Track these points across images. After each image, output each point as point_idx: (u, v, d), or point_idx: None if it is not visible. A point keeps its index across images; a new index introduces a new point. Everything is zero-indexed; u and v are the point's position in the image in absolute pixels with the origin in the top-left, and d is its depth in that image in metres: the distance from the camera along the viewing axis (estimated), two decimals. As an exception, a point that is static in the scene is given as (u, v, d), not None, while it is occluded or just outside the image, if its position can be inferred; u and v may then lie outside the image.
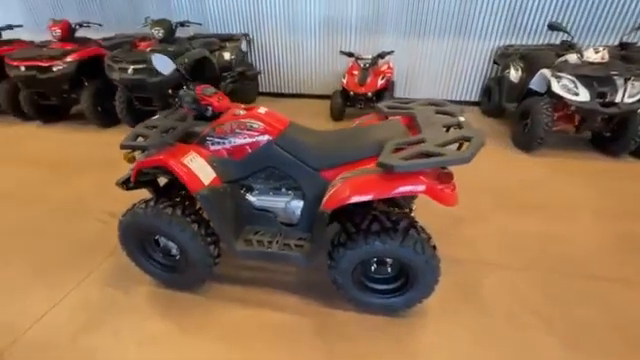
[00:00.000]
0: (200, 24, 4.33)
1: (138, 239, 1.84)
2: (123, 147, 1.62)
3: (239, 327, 1.76)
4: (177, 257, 1.88)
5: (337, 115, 4.49)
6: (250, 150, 1.77)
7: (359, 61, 4.44)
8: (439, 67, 5.11)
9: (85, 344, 1.68)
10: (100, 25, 4.60)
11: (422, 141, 1.46)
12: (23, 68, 3.92)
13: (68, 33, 4.25)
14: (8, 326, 1.77)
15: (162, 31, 3.92)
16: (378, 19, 4.92)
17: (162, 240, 1.87)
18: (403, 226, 1.54)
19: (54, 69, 3.90)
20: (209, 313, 1.84)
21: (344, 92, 4.42)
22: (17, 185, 3.13)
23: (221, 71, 4.75)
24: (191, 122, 1.84)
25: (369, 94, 4.29)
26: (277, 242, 1.80)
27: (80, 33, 4.57)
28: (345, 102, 4.46)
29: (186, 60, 3.76)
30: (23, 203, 2.84)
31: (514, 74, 4.16)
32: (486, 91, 4.81)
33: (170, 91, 2.19)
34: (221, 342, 1.68)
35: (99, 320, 1.80)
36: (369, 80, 4.29)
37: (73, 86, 4.16)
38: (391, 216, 1.60)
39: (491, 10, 4.58)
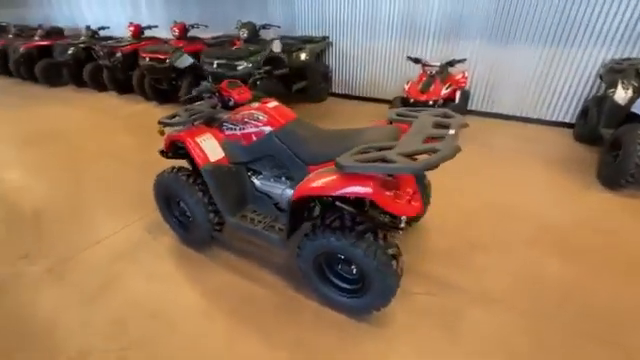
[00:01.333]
0: (279, 27, 4.82)
1: (165, 197, 2.29)
2: (159, 122, 2.06)
3: (220, 289, 2.03)
4: (190, 218, 2.27)
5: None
6: (255, 138, 2.01)
7: (426, 68, 4.26)
8: (528, 80, 4.48)
9: (114, 270, 2.20)
10: (206, 27, 5.55)
11: (390, 148, 1.46)
12: (148, 59, 5.06)
13: (183, 33, 5.27)
14: (73, 244, 2.44)
15: (246, 32, 4.53)
16: (460, 23, 4.60)
17: (182, 202, 2.28)
18: (361, 229, 1.56)
19: (167, 61, 4.92)
20: (204, 271, 2.17)
21: (405, 99, 4.31)
22: (121, 148, 4.12)
23: (296, 70, 5.21)
24: (218, 110, 2.19)
25: (430, 102, 4.08)
26: (264, 223, 2.01)
27: (198, 33, 5.61)
28: (404, 109, 4.34)
29: (259, 58, 4.27)
30: (119, 161, 3.73)
31: (621, 94, 3.38)
32: (584, 112, 4.02)
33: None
34: (201, 297, 1.98)
35: (131, 254, 2.32)
36: (432, 88, 4.09)
37: (179, 75, 5.15)
38: (357, 218, 1.63)
39: (606, 12, 3.80)
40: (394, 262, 1.55)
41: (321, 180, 1.51)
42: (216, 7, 6.64)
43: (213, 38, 5.83)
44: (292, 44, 5.15)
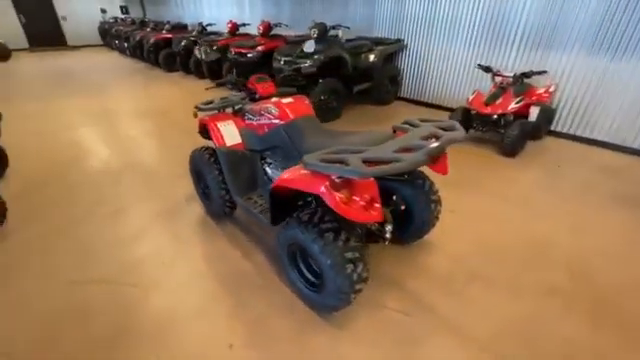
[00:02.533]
0: (348, 28, 4.89)
1: (196, 171, 2.67)
2: (195, 107, 2.41)
3: (220, 257, 2.29)
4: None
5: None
6: (267, 129, 2.20)
7: (497, 78, 3.82)
8: (637, 101, 3.62)
9: (151, 223, 2.67)
10: (287, 25, 5.98)
11: (360, 152, 1.47)
12: (233, 52, 5.74)
13: (267, 30, 5.81)
14: (132, 198, 3.04)
15: (317, 32, 4.74)
16: (555, 30, 3.96)
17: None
18: (325, 227, 1.59)
19: (248, 55, 5.51)
20: (214, 240, 2.47)
21: (466, 110, 3.95)
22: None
23: (363, 71, 5.24)
24: (245, 101, 2.45)
25: (494, 116, 3.66)
26: (262, 207, 2.19)
27: (285, 31, 6.12)
28: (465, 121, 3.98)
29: (322, 58, 4.45)
30: (196, 137, 4.39)
31: None
32: None
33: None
34: (204, 260, 2.28)
35: (167, 214, 2.78)
36: (499, 101, 3.65)
37: (258, 68, 5.70)
38: (325, 217, 1.66)
39: None
40: (350, 266, 1.54)
41: (292, 174, 1.60)
42: (304, 8, 7.08)
43: (297, 37, 6.25)
44: (362, 45, 5.18)
